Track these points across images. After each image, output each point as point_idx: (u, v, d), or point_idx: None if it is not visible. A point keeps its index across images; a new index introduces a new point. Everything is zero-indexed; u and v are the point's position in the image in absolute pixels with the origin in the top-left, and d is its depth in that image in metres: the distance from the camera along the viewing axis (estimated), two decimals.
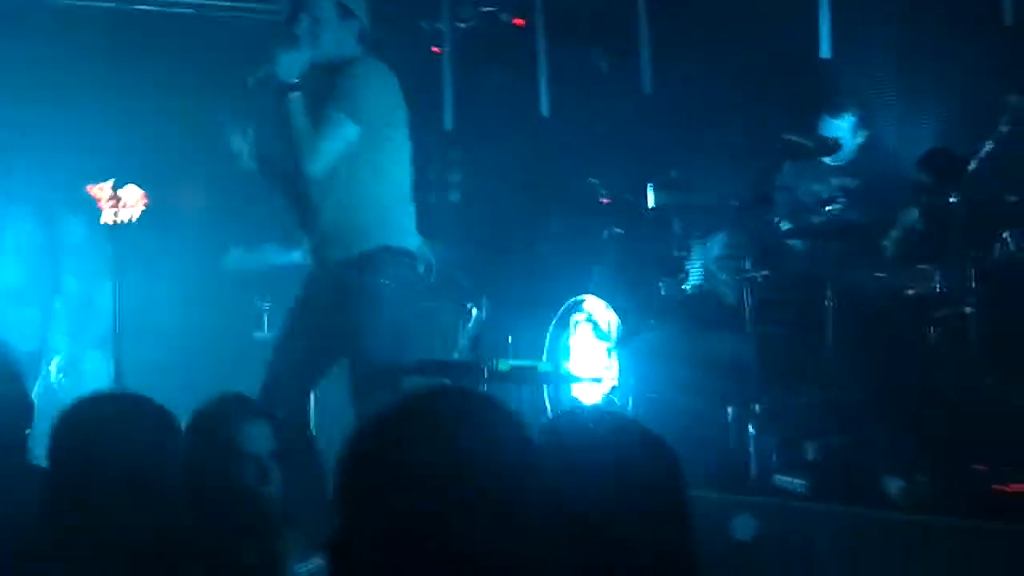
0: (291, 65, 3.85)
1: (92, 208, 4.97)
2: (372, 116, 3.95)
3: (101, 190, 5.04)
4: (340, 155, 3.90)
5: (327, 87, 3.96)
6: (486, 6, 7.54)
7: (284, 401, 3.91)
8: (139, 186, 5.06)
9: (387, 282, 3.94)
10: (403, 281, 4.02)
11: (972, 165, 4.45)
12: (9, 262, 5.43)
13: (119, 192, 5.03)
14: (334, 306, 3.96)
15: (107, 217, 4.99)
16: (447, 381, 5.38)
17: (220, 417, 2.76)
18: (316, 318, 4.03)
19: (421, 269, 4.18)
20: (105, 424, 2.39)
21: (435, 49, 7.69)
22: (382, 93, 4.02)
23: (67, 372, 6.05)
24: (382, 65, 4.07)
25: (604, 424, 1.78)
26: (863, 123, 5.49)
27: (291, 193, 4.11)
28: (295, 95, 3.84)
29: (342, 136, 3.89)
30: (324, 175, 3.90)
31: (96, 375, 5.90)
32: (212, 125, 4.11)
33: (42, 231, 5.53)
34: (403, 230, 4.08)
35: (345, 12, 3.99)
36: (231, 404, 2.82)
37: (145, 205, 5.09)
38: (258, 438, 2.72)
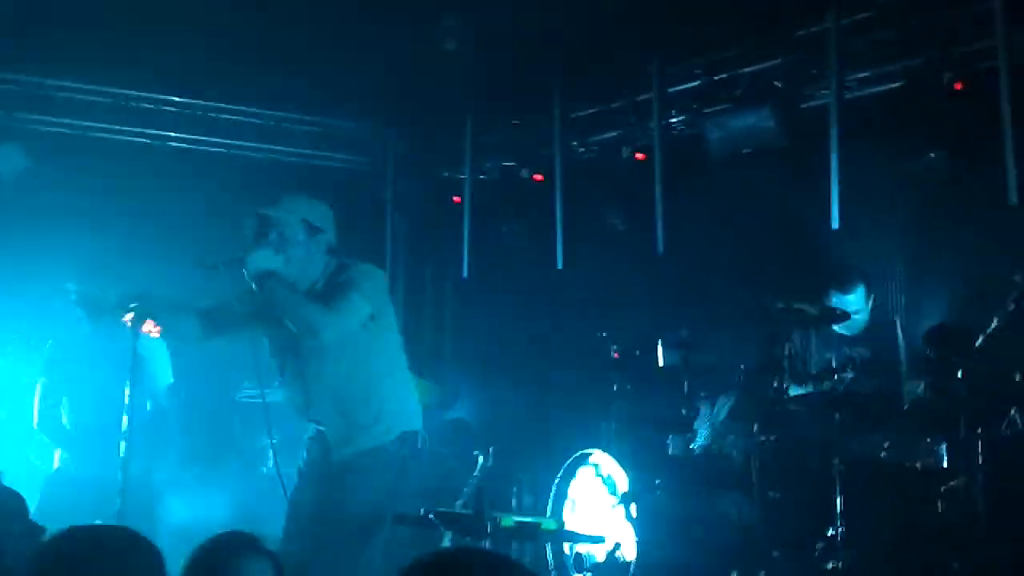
0: (258, 265, 3.93)
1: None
2: (375, 308, 4.05)
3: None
4: (351, 330, 3.96)
5: (326, 287, 4.04)
6: (507, 161, 7.81)
7: None
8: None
9: (391, 468, 4.04)
10: (408, 458, 4.12)
11: (979, 341, 4.53)
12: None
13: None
14: (333, 480, 4.02)
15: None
16: (449, 533, 5.37)
17: (220, 553, 2.75)
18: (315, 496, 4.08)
19: (420, 443, 4.22)
20: (93, 558, 2.37)
21: (456, 199, 7.93)
22: (379, 289, 4.13)
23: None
24: (373, 267, 4.20)
25: None
26: (869, 296, 5.60)
27: (290, 373, 4.17)
28: (273, 281, 3.91)
29: (357, 310, 3.98)
30: (332, 345, 3.96)
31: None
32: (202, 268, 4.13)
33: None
34: (410, 412, 4.16)
35: (312, 229, 4.08)
36: (232, 541, 2.82)
37: (157, 334, 5.15)
38: (258, 575, 2.72)
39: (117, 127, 7.44)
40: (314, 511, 4.07)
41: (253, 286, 3.95)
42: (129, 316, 4.48)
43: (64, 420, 5.51)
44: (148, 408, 5.48)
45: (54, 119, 7.23)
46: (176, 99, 7.54)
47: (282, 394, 4.31)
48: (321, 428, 4.16)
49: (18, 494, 3.45)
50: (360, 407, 4.06)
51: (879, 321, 5.65)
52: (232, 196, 7.49)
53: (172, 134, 7.63)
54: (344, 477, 4.03)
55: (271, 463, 6.46)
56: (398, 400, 4.15)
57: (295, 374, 4.14)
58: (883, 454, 4.91)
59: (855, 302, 5.50)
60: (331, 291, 4.01)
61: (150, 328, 5.01)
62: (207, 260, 4.03)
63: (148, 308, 4.17)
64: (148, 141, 7.57)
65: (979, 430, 4.46)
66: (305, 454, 4.24)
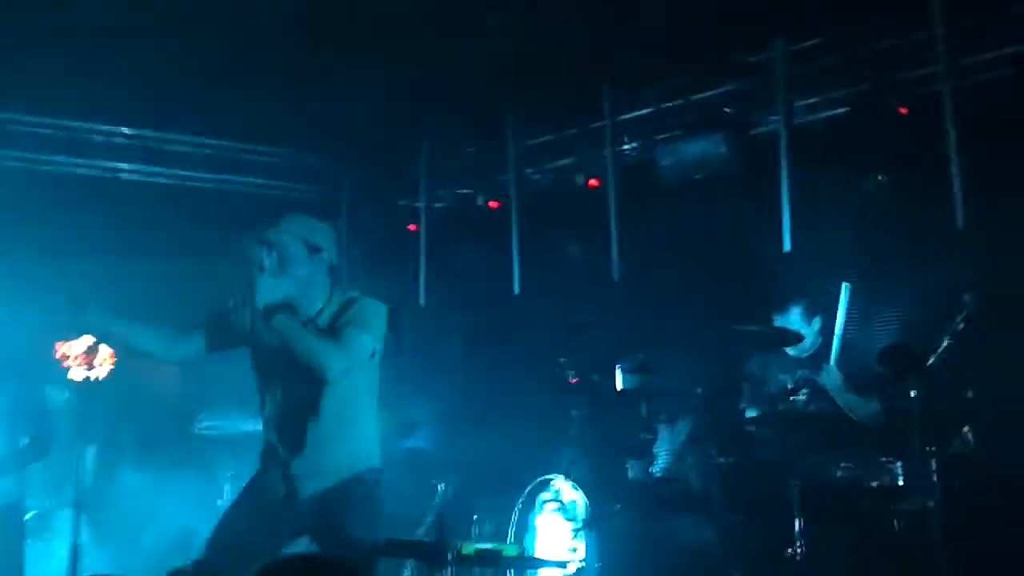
0: (266, 294, 3.92)
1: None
2: (377, 346, 4.02)
3: (70, 347, 5.01)
4: (357, 364, 3.94)
5: (333, 321, 4.01)
6: (462, 188, 7.82)
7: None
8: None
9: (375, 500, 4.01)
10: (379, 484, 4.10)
11: (931, 360, 4.60)
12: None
13: (89, 350, 4.99)
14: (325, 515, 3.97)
15: (75, 375, 4.96)
16: (410, 561, 5.33)
17: None
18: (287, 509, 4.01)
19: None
20: None
21: (412, 227, 7.93)
22: (383, 327, 4.07)
23: (38, 530, 5.99)
24: (379, 303, 4.13)
25: None
26: (816, 316, 5.64)
27: (273, 403, 4.11)
28: (282, 315, 3.91)
29: (365, 348, 3.95)
30: (338, 379, 3.91)
31: (63, 533, 5.77)
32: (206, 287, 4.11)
33: (31, 392, 5.45)
34: (375, 450, 4.12)
35: (312, 248, 4.05)
36: None
37: (112, 364, 5.06)
38: None
39: (67, 159, 7.36)
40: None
41: (263, 322, 3.91)
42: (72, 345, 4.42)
43: None
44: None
45: (3, 151, 7.14)
46: (126, 130, 7.48)
47: (258, 423, 4.24)
48: (284, 459, 4.06)
49: None
50: (339, 441, 4.02)
51: (829, 342, 5.71)
52: (187, 227, 7.47)
53: (123, 166, 7.55)
54: (336, 512, 3.95)
55: (226, 496, 6.40)
56: (368, 438, 4.13)
57: (278, 404, 4.08)
58: (840, 474, 4.96)
59: (796, 323, 5.55)
60: (339, 327, 3.98)
61: (107, 360, 4.92)
62: (221, 305, 4.06)
63: (99, 322, 4.06)
64: (100, 173, 7.49)
65: (933, 449, 4.52)
66: (254, 483, 4.13)
